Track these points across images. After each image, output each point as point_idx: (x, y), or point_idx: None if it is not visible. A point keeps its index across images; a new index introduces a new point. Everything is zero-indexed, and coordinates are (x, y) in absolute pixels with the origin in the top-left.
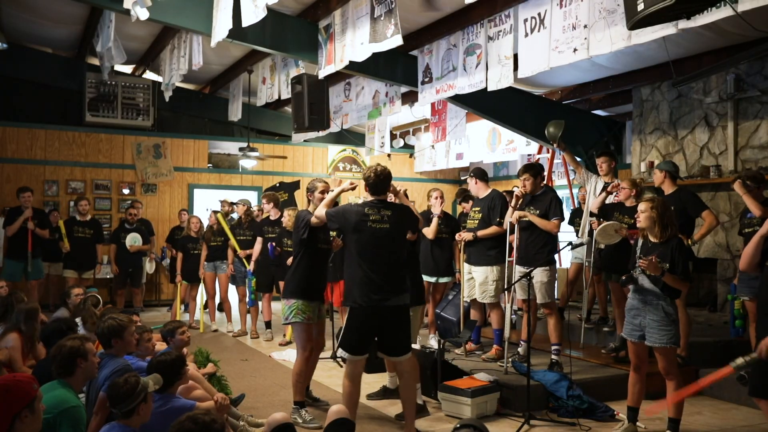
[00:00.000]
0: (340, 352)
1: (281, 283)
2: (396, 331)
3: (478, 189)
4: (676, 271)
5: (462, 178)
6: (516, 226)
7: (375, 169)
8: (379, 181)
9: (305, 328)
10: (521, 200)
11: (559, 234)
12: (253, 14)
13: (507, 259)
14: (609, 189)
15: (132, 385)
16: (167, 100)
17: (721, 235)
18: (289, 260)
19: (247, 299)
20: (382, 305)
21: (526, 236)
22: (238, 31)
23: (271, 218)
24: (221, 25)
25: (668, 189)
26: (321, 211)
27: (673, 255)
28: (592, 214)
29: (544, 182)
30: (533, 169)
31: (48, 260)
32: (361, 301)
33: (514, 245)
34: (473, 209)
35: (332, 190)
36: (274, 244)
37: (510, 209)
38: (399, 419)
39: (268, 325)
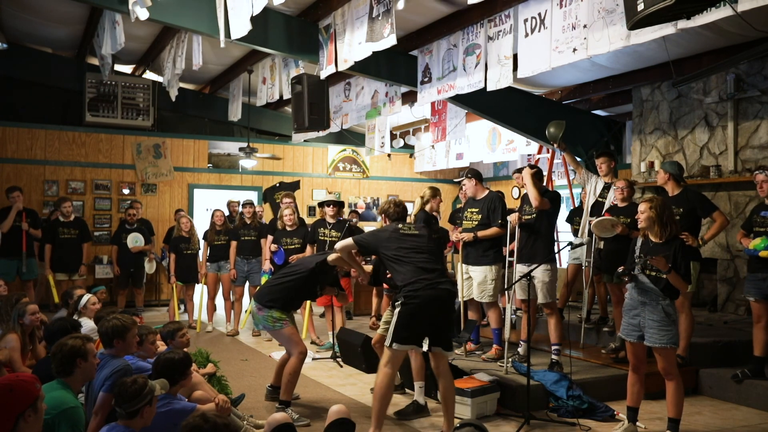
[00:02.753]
0: (387, 341)
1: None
2: (445, 318)
3: (476, 190)
4: (679, 271)
5: (457, 180)
6: (518, 227)
7: (393, 202)
8: (399, 210)
9: (290, 330)
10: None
11: (559, 234)
12: (246, 15)
13: (507, 259)
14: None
15: (140, 386)
16: (173, 99)
17: (721, 235)
18: (293, 257)
19: None
20: (437, 286)
21: (526, 236)
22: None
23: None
24: (235, 25)
25: (673, 190)
26: (345, 241)
27: (675, 255)
28: (591, 214)
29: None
30: (538, 170)
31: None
32: (414, 287)
33: (515, 247)
34: (470, 210)
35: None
36: (281, 249)
37: (515, 215)
38: (398, 417)
39: None
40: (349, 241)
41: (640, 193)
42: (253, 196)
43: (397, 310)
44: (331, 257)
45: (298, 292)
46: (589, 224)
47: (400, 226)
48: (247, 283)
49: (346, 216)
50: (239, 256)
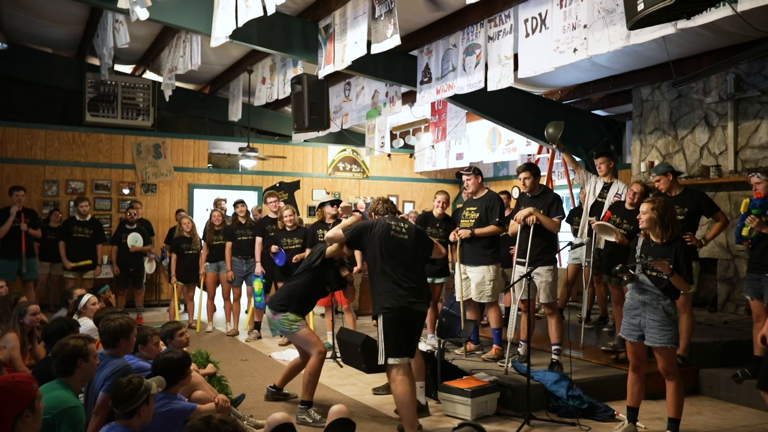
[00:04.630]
0: (381, 360)
1: (280, 284)
2: (417, 335)
3: (477, 188)
4: (682, 272)
5: (459, 173)
6: (532, 227)
7: (379, 200)
8: (388, 206)
9: (307, 331)
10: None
11: (559, 234)
12: (245, 13)
13: (516, 260)
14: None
15: (135, 386)
16: (167, 99)
17: (721, 235)
18: (296, 257)
19: (255, 302)
20: (411, 308)
21: (529, 237)
22: (238, 31)
23: (272, 216)
24: (221, 25)
25: (676, 190)
26: (335, 231)
27: (677, 256)
28: (591, 214)
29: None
30: (534, 168)
31: (49, 260)
32: (390, 304)
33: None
34: (468, 209)
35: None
36: (282, 250)
37: (522, 211)
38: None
39: (257, 326)
40: (338, 231)
41: None
42: (253, 196)
43: (379, 326)
44: (329, 250)
45: (310, 292)
46: (589, 224)
47: (392, 224)
48: (244, 284)
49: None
50: (237, 257)
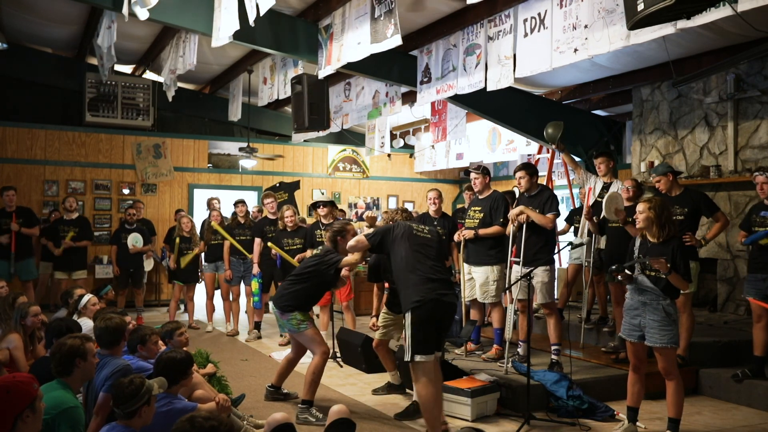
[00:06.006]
0: (408, 357)
1: (281, 284)
2: (447, 327)
3: (483, 187)
4: (679, 271)
5: (468, 170)
6: (524, 226)
7: (397, 210)
8: (407, 215)
9: (313, 330)
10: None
11: (558, 234)
12: (251, 12)
13: (511, 259)
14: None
15: (137, 387)
16: (170, 100)
17: (721, 235)
18: (298, 257)
19: (253, 302)
20: (441, 299)
21: (525, 236)
22: (239, 31)
23: (270, 217)
24: (225, 25)
25: (676, 190)
26: (357, 238)
27: (674, 255)
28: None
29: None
30: (530, 167)
31: (50, 260)
32: (420, 297)
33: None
34: (473, 209)
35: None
36: (278, 255)
37: (513, 210)
38: (398, 418)
39: (257, 325)
40: (361, 238)
41: None
42: (252, 196)
43: (408, 321)
44: (346, 260)
45: (315, 293)
46: (589, 225)
47: (413, 225)
48: (242, 284)
49: (350, 216)
50: (235, 257)
